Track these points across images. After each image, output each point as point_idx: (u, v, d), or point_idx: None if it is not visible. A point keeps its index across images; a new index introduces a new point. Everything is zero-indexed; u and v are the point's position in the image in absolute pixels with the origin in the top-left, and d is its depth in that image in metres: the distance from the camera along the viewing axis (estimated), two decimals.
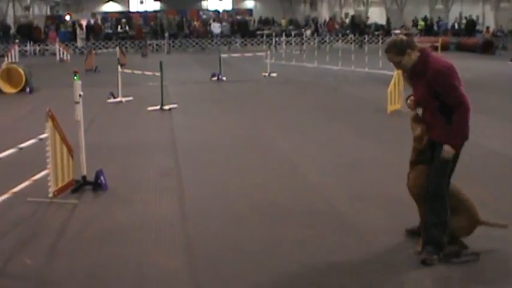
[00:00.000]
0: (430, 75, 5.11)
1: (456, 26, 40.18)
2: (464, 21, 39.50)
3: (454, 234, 5.35)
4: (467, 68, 24.08)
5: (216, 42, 41.08)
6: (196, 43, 41.34)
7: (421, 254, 5.29)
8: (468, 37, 36.37)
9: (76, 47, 37.69)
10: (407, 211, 6.18)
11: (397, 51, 5.23)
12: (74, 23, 42.29)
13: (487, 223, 5.55)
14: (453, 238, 5.36)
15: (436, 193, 5.25)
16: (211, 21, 44.80)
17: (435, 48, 27.27)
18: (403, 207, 6.60)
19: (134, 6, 62.65)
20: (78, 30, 39.10)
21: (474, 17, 39.06)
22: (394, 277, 5.11)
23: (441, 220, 5.24)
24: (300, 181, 8.12)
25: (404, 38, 5.28)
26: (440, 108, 5.14)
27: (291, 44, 34.58)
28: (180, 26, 43.30)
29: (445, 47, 30.58)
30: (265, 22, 47.83)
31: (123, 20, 43.73)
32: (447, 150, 5.12)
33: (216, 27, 42.82)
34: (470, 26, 38.26)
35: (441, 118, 5.16)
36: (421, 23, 41.50)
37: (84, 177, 7.69)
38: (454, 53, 32.72)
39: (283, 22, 47.93)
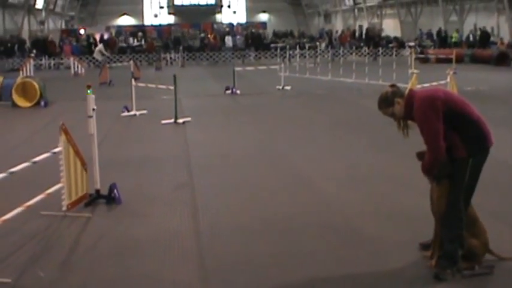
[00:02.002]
0: (414, 113, 5.28)
1: (471, 38, 39.92)
2: (478, 32, 39.23)
3: (471, 249, 5.29)
4: (482, 79, 24.05)
5: (229, 56, 41.21)
6: (210, 56, 41.49)
7: (435, 268, 5.25)
8: (483, 49, 36.17)
9: (90, 60, 37.86)
10: (421, 225, 6.13)
11: (386, 105, 5.41)
12: (88, 36, 42.63)
13: (497, 255, 5.48)
14: (469, 253, 5.30)
15: (451, 207, 5.21)
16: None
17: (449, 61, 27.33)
18: (417, 220, 6.56)
19: (148, 20, 63.26)
20: (100, 45, 39.05)
21: (488, 29, 38.80)
22: None
23: (456, 235, 5.20)
24: (313, 194, 8.09)
25: (389, 90, 5.43)
26: (450, 128, 5.14)
27: (305, 57, 34.58)
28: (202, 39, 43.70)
29: (459, 59, 30.44)
30: (279, 35, 47.85)
31: (140, 34, 43.98)
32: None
33: (229, 40, 42.99)
34: (485, 38, 38.05)
35: (455, 136, 5.17)
36: (455, 34, 40.98)
37: (97, 191, 7.73)
38: (469, 65, 32.58)
39: (297, 35, 47.94)
